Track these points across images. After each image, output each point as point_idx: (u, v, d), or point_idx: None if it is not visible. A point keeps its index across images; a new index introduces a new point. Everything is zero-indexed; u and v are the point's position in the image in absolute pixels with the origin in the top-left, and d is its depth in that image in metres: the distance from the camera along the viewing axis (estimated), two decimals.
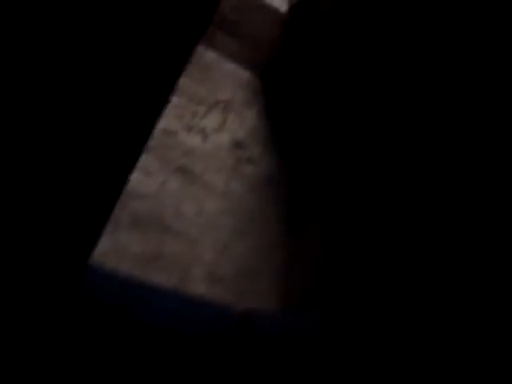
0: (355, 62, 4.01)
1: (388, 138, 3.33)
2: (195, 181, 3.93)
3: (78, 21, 1.55)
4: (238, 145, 4.37)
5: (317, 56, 4.61)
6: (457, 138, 2.90)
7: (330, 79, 4.54)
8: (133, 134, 1.89)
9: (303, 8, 4.33)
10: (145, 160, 3.81)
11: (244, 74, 5.02)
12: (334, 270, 3.34)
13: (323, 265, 3.43)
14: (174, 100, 4.36)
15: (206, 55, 4.95)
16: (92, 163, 1.73)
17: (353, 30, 3.88)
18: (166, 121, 4.13)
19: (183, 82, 4.54)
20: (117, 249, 3.18)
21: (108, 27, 1.63)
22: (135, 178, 3.64)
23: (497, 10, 2.15)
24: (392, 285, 2.90)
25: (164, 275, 3.35)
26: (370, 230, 3.11)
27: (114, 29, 1.64)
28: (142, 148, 1.97)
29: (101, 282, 2.20)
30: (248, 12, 4.66)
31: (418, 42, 3.41)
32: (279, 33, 4.67)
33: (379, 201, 3.26)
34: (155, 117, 1.94)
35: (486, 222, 2.55)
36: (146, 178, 3.72)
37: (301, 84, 4.83)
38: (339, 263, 3.33)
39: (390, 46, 3.76)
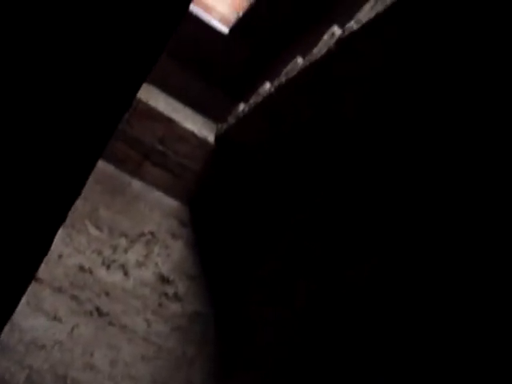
0: (280, 189, 3.93)
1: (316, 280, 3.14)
2: (112, 324, 3.50)
3: None
4: (162, 280, 4.03)
5: (244, 183, 4.52)
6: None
7: (257, 207, 4.43)
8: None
9: (229, 138, 4.31)
10: (54, 302, 3.40)
11: (171, 203, 4.83)
12: None
13: None
14: (93, 233, 4.05)
15: (132, 185, 4.76)
16: None
17: (275, 158, 3.85)
18: (83, 257, 3.79)
19: (104, 213, 4.27)
20: None
21: None
22: (40, 324, 3.19)
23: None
24: None
25: None
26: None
27: None
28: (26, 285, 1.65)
29: None
30: (175, 142, 4.59)
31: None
32: (207, 162, 4.59)
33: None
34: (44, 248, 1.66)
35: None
36: (54, 324, 3.28)
37: (229, 212, 4.68)
38: None
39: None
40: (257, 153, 4.17)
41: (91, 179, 4.47)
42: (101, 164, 4.74)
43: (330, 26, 4.30)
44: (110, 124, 1.76)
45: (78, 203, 4.18)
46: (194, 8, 7.53)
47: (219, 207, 4.68)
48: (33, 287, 3.27)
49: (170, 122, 4.41)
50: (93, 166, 1.80)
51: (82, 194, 4.23)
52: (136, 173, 4.76)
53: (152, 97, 4.45)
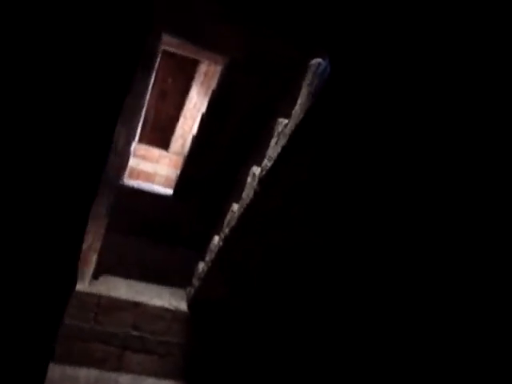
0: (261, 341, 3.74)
1: None
2: None
3: None
4: None
5: (229, 343, 4.30)
6: None
7: (246, 363, 4.18)
8: None
9: (198, 300, 4.17)
10: None
11: None
12: None
13: None
14: None
15: (119, 382, 4.46)
16: None
17: (243, 307, 3.71)
18: None
19: None
20: None
21: None
22: None
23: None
24: None
25: None
26: None
27: None
28: None
29: None
30: (149, 323, 4.41)
31: None
32: (187, 331, 4.39)
33: None
34: None
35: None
36: None
37: (228, 376, 4.40)
38: None
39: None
40: (227, 306, 4.03)
41: None
42: (83, 372, 4.47)
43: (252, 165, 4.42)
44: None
45: None
46: (135, 183, 7.75)
47: (216, 374, 4.40)
48: None
49: (137, 306, 4.26)
50: None
51: None
52: (120, 367, 4.49)
53: (113, 287, 4.34)
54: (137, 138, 8.70)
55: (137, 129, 6.77)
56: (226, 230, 3.41)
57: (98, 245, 4.21)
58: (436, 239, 2.94)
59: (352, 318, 3.84)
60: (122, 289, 4.35)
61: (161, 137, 9.69)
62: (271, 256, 3.48)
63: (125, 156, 4.61)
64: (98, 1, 1.50)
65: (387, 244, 3.23)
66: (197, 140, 5.86)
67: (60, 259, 1.55)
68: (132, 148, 7.38)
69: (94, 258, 4.19)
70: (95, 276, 4.32)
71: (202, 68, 7.57)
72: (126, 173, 7.48)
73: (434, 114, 2.08)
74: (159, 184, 9.07)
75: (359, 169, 2.63)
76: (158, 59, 7.26)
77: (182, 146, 8.47)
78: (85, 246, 4.18)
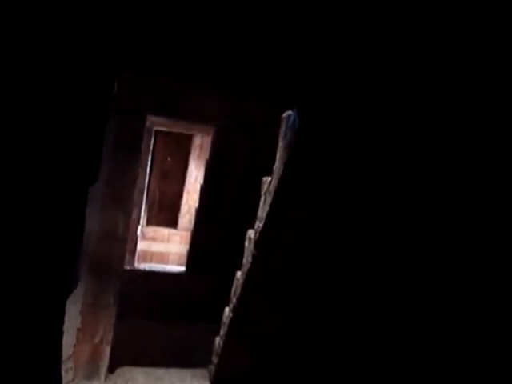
0: None
1: None
2: None
3: None
4: None
5: None
6: None
7: None
8: None
9: (220, 377, 3.98)
10: None
11: None
12: None
13: None
14: None
15: None
16: None
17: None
18: None
19: None
20: None
21: None
22: None
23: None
24: None
25: None
26: None
27: None
28: None
29: None
30: None
31: None
32: None
33: None
34: None
35: None
36: None
37: None
38: None
39: None
40: (253, 379, 3.82)
41: None
42: None
43: None
44: None
45: None
46: (147, 265, 7.67)
47: None
48: None
49: None
50: None
51: None
52: None
53: (130, 378, 4.15)
54: (143, 221, 8.70)
55: (139, 212, 6.77)
56: (234, 300, 3.29)
57: (109, 336, 4.07)
58: (433, 250, 2.82)
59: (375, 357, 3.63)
60: (139, 378, 4.16)
61: (169, 216, 9.70)
62: (287, 317, 3.33)
63: (127, 241, 4.55)
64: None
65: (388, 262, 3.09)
66: (200, 212, 5.83)
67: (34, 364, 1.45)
68: (139, 232, 7.36)
69: (107, 351, 4.03)
70: (111, 369, 4.15)
71: (197, 141, 7.67)
72: (137, 257, 7.42)
73: (399, 146, 2.02)
74: (173, 262, 8.96)
75: (352, 213, 2.54)
76: (152, 140, 7.38)
77: (190, 221, 8.44)
78: (97, 339, 4.04)
